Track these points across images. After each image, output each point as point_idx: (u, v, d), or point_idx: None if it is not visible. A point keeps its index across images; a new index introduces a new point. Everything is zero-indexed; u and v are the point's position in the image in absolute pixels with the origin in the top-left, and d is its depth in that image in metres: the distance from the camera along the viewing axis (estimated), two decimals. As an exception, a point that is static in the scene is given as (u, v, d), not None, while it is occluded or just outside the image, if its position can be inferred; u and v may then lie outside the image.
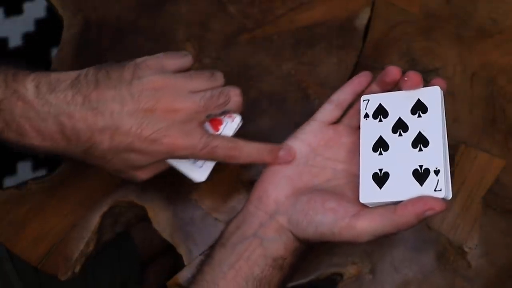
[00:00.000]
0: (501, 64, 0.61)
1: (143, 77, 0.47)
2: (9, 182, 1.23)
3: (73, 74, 0.47)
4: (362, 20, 0.64)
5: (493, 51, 0.62)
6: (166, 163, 0.50)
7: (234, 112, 0.50)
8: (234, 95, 0.49)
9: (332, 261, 0.55)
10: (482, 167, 0.57)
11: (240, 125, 0.51)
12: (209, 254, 0.48)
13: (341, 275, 0.54)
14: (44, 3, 1.30)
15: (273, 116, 0.60)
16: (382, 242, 0.55)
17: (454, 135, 0.58)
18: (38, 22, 1.33)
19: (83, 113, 0.45)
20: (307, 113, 0.59)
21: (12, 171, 1.24)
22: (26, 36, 1.32)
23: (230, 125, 0.50)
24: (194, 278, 0.47)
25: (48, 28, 1.33)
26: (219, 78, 0.50)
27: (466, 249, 0.54)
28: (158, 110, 0.46)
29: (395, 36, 0.63)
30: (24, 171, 1.23)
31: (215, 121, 0.50)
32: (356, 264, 0.54)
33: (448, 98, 0.60)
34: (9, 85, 0.45)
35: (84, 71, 0.47)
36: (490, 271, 0.54)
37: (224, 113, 0.49)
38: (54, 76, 0.46)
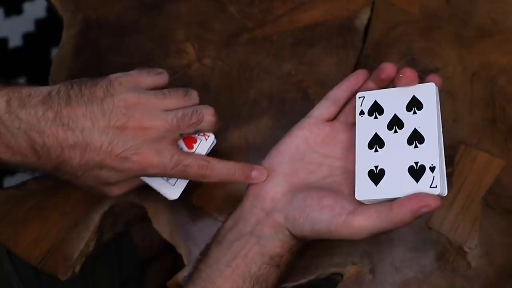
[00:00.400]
0: (501, 64, 0.61)
1: (116, 95, 0.46)
2: (9, 182, 1.23)
3: (45, 90, 0.46)
4: (362, 20, 0.64)
5: (493, 51, 0.62)
6: (140, 179, 0.50)
7: (207, 131, 0.50)
8: (207, 115, 0.49)
9: (332, 261, 0.55)
10: (482, 167, 0.57)
11: (214, 143, 0.51)
12: (205, 252, 0.48)
13: (341, 275, 0.54)
14: (44, 3, 1.30)
15: (273, 116, 0.60)
16: (382, 242, 0.55)
17: (454, 135, 0.58)
18: (38, 22, 1.33)
19: (54, 129, 0.45)
20: (307, 113, 0.59)
21: (12, 171, 1.24)
22: (26, 36, 1.32)
23: (204, 143, 0.50)
24: (190, 277, 0.47)
25: (48, 28, 1.33)
26: (194, 96, 0.50)
27: (466, 249, 0.54)
28: (129, 128, 0.46)
29: (395, 36, 0.63)
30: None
31: (190, 139, 0.50)
32: (356, 264, 0.54)
33: (448, 98, 0.60)
34: None
35: (56, 87, 0.46)
36: (490, 271, 0.54)
37: (197, 132, 0.49)
38: (26, 91, 0.46)
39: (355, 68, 0.62)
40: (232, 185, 0.57)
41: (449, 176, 0.57)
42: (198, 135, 0.50)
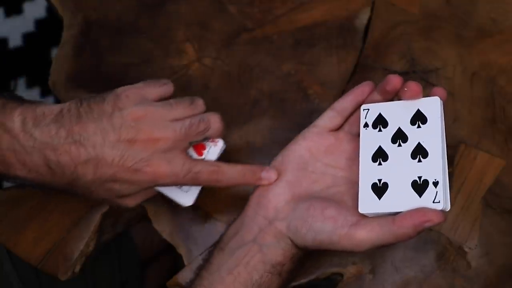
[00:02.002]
0: (501, 64, 0.61)
1: (124, 109, 0.47)
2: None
3: (56, 108, 0.47)
4: (362, 20, 0.64)
5: (493, 51, 0.62)
6: (153, 189, 0.51)
7: (215, 137, 0.51)
8: (214, 122, 0.50)
9: (333, 261, 0.55)
10: (482, 167, 0.57)
11: (223, 149, 0.52)
12: (207, 258, 0.48)
13: (341, 275, 0.54)
14: (44, 3, 1.30)
15: (273, 116, 0.60)
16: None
17: (454, 135, 0.58)
18: (38, 22, 1.33)
19: (67, 146, 0.46)
20: (307, 113, 0.59)
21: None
22: (26, 36, 1.32)
23: (213, 149, 0.51)
24: (192, 283, 0.47)
25: (48, 28, 1.33)
26: (200, 105, 0.50)
27: (466, 249, 0.54)
28: (139, 140, 0.47)
29: (395, 36, 0.63)
30: (24, 171, 1.23)
31: (199, 146, 0.51)
32: (357, 264, 0.54)
33: (448, 98, 0.60)
34: None
35: (66, 105, 0.48)
36: (490, 271, 0.54)
37: (206, 139, 0.50)
38: (39, 110, 0.47)
39: (355, 68, 0.62)
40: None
41: (449, 176, 0.57)
42: (207, 141, 0.51)
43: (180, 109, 0.49)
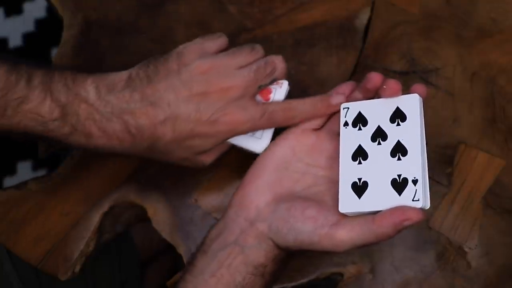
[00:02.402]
0: (501, 64, 0.61)
1: (190, 64, 0.48)
2: (9, 182, 1.23)
3: (124, 74, 0.49)
4: (362, 20, 0.64)
5: (493, 51, 0.62)
6: (227, 143, 0.52)
7: (281, 78, 0.52)
8: (279, 62, 0.51)
9: (332, 261, 0.55)
10: (482, 167, 0.57)
11: (288, 89, 0.52)
12: (191, 261, 0.48)
13: (341, 274, 0.54)
14: (44, 3, 1.30)
15: (273, 116, 0.60)
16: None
17: (454, 135, 0.58)
18: (38, 22, 1.33)
19: (143, 109, 0.47)
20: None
21: (12, 171, 1.24)
22: (26, 36, 1.32)
23: (280, 91, 0.52)
24: (176, 287, 0.47)
25: (48, 28, 1.33)
26: (259, 50, 0.52)
27: (466, 249, 0.54)
28: (211, 92, 0.48)
29: (395, 36, 0.63)
30: (24, 171, 1.24)
31: (264, 91, 0.51)
32: (356, 263, 0.54)
33: (448, 98, 0.60)
34: (71, 89, 0.47)
35: (133, 70, 0.49)
36: (490, 271, 0.54)
37: (273, 81, 0.51)
38: (109, 78, 0.48)
39: (355, 68, 0.62)
40: (231, 185, 0.57)
41: (449, 176, 0.57)
42: (272, 85, 0.51)
43: (242, 56, 0.50)
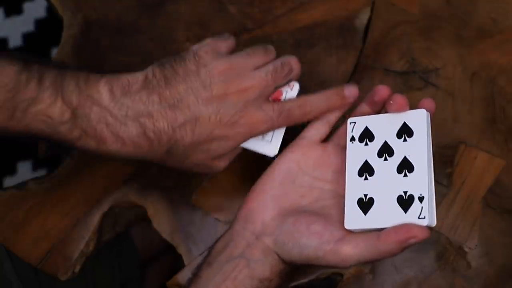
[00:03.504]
0: (501, 64, 0.61)
1: (208, 64, 0.47)
2: (9, 182, 1.23)
3: (140, 75, 0.47)
4: (362, 20, 0.64)
5: (493, 51, 0.62)
6: (239, 147, 0.51)
7: (295, 80, 0.51)
8: (294, 63, 0.50)
9: (332, 261, 0.55)
10: (482, 167, 0.57)
11: (299, 91, 0.51)
12: (196, 273, 0.47)
13: (341, 275, 0.54)
14: (44, 3, 1.30)
15: (273, 116, 0.60)
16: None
17: (454, 135, 0.58)
18: (38, 22, 1.33)
19: (162, 111, 0.46)
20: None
21: (12, 171, 1.24)
22: (26, 36, 1.32)
23: (291, 93, 0.51)
24: None
25: (48, 28, 1.33)
26: (272, 50, 0.51)
27: (466, 249, 0.54)
28: (230, 93, 0.47)
29: (395, 36, 0.63)
30: (24, 171, 1.24)
31: (275, 93, 0.51)
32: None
33: (448, 98, 0.60)
34: (82, 90, 0.45)
35: (149, 70, 0.47)
36: (490, 271, 0.54)
37: (289, 82, 0.51)
38: (123, 79, 0.46)
39: (355, 68, 0.62)
40: (232, 185, 0.58)
41: (449, 176, 0.57)
42: (283, 87, 0.51)
43: (257, 57, 0.50)
